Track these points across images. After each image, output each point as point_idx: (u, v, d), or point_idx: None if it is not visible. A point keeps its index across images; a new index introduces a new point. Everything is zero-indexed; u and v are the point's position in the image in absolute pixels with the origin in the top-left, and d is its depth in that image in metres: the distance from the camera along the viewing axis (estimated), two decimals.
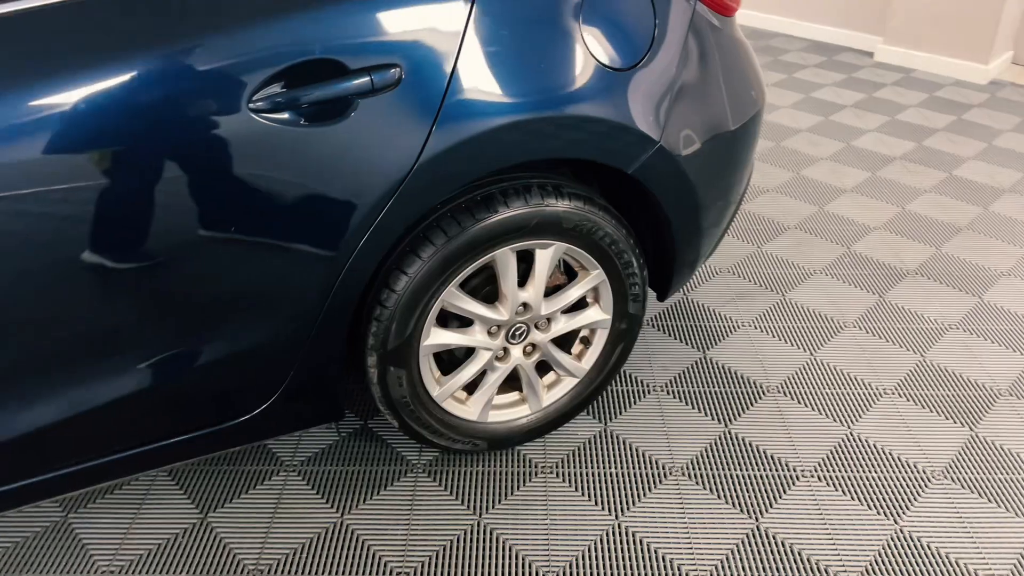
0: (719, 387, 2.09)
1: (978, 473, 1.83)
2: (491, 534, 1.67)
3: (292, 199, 1.29)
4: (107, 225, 1.18)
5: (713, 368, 2.16)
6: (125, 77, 1.12)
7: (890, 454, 1.88)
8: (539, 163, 1.66)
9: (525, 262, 1.64)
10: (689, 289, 2.50)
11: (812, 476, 1.82)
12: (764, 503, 1.75)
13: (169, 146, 1.17)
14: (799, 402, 2.04)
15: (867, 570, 1.60)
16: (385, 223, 1.37)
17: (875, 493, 1.78)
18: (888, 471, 1.84)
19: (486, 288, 1.64)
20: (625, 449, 1.89)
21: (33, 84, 1.09)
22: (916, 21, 4.41)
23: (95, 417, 1.36)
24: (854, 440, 1.92)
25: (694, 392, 2.07)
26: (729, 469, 1.84)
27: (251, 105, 1.20)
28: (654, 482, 1.80)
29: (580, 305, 1.78)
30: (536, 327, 1.71)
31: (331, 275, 1.39)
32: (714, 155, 1.71)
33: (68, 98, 1.10)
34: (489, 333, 1.65)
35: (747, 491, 1.78)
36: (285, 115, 1.23)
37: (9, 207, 1.11)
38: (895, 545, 1.66)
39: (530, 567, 1.60)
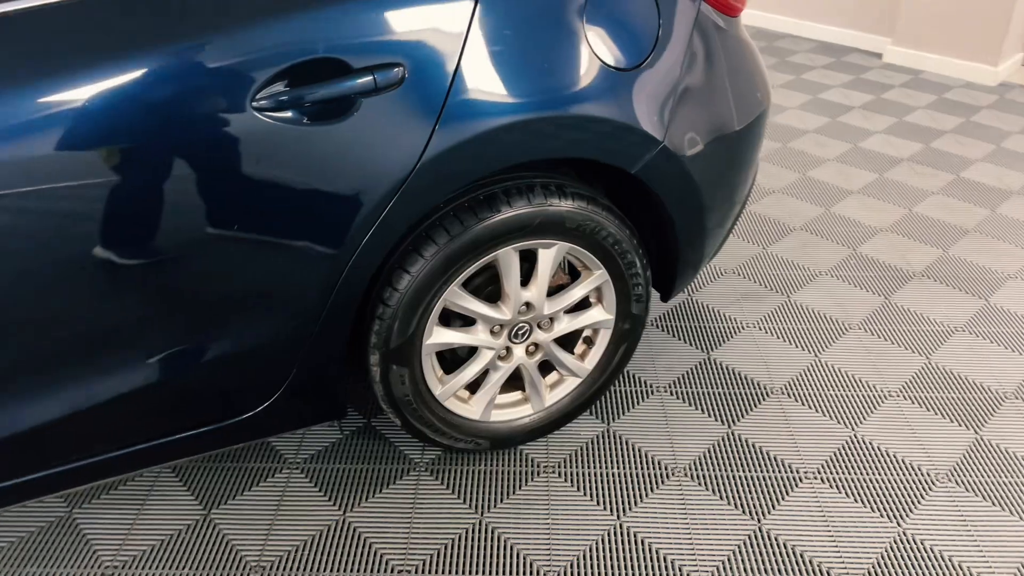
0: (723, 388, 2.08)
1: (983, 476, 1.82)
2: (493, 533, 1.67)
3: (295, 197, 1.29)
4: (110, 223, 1.19)
5: (717, 369, 2.15)
6: (128, 76, 1.13)
7: (894, 457, 1.88)
8: (543, 163, 1.66)
9: (528, 262, 1.64)
10: (694, 290, 2.50)
11: (815, 478, 1.82)
12: (767, 504, 1.75)
13: (172, 144, 1.18)
14: (803, 404, 2.04)
15: (869, 573, 1.60)
16: (388, 221, 1.38)
17: (878, 496, 1.77)
18: (892, 474, 1.83)
19: (489, 287, 1.65)
20: (628, 449, 1.88)
21: (35, 83, 1.09)
22: (925, 22, 4.39)
23: (100, 413, 1.37)
24: (858, 442, 1.92)
25: (697, 393, 2.07)
26: (732, 470, 1.83)
27: (254, 104, 1.20)
28: (656, 482, 1.80)
29: (583, 305, 1.78)
30: (539, 327, 1.71)
31: (334, 273, 1.40)
32: (718, 155, 1.71)
33: (71, 97, 1.11)
34: (492, 332, 1.65)
35: (750, 492, 1.78)
36: (288, 114, 1.23)
37: (12, 204, 1.12)
38: (898, 548, 1.65)
39: (531, 566, 1.60)
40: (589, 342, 1.84)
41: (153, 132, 1.16)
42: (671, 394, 2.06)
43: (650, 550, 1.64)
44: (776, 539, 1.67)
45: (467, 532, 1.67)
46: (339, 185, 1.31)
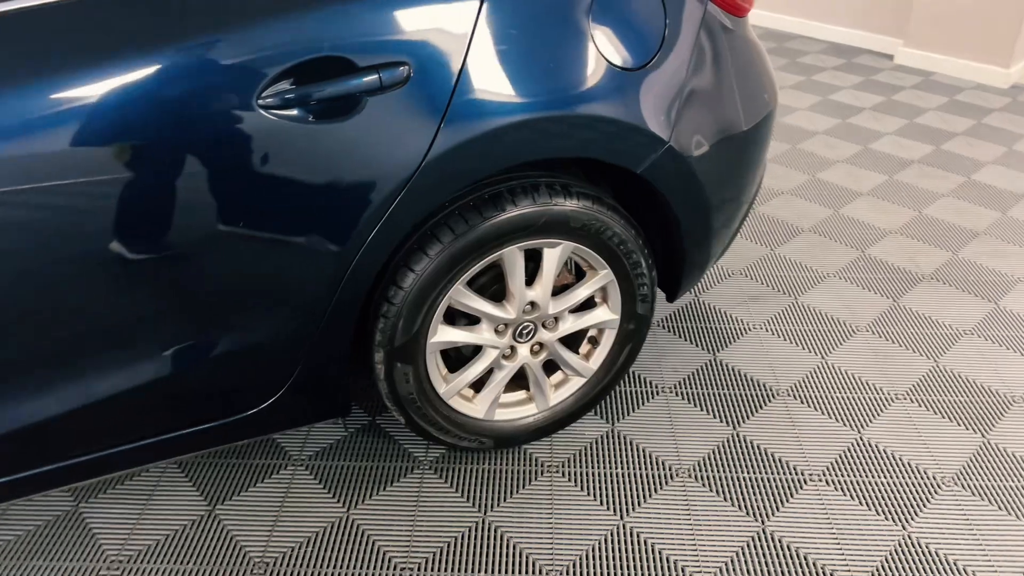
0: (728, 389, 2.08)
1: (989, 480, 1.81)
2: (495, 532, 1.68)
3: (300, 195, 1.30)
4: (115, 221, 1.20)
5: (723, 370, 2.15)
6: (134, 74, 1.14)
7: (900, 459, 1.87)
8: (549, 162, 1.66)
9: (533, 261, 1.64)
10: (701, 291, 2.49)
11: (820, 480, 1.81)
12: (771, 506, 1.74)
13: (178, 142, 1.18)
14: (809, 406, 2.03)
15: (873, 575, 1.59)
16: (393, 219, 1.38)
17: (884, 498, 1.76)
18: (897, 476, 1.82)
19: (494, 286, 1.65)
20: (632, 450, 1.88)
21: (41, 81, 1.10)
22: (937, 24, 4.37)
23: (107, 408, 1.38)
24: (864, 445, 1.91)
25: (703, 394, 2.06)
26: (736, 472, 1.83)
27: (260, 101, 1.21)
28: (660, 483, 1.80)
29: (588, 305, 1.78)
30: (543, 326, 1.71)
31: (339, 270, 1.40)
32: (725, 156, 1.70)
33: (76, 95, 1.12)
34: (496, 331, 1.66)
35: (754, 494, 1.77)
36: (294, 112, 1.24)
37: (20, 200, 1.13)
38: (902, 551, 1.64)
39: (534, 565, 1.60)
40: (594, 342, 1.84)
41: (158, 130, 1.17)
42: (676, 395, 2.06)
43: (653, 550, 1.64)
44: (780, 541, 1.66)
45: (470, 530, 1.68)
46: (344, 183, 1.31)
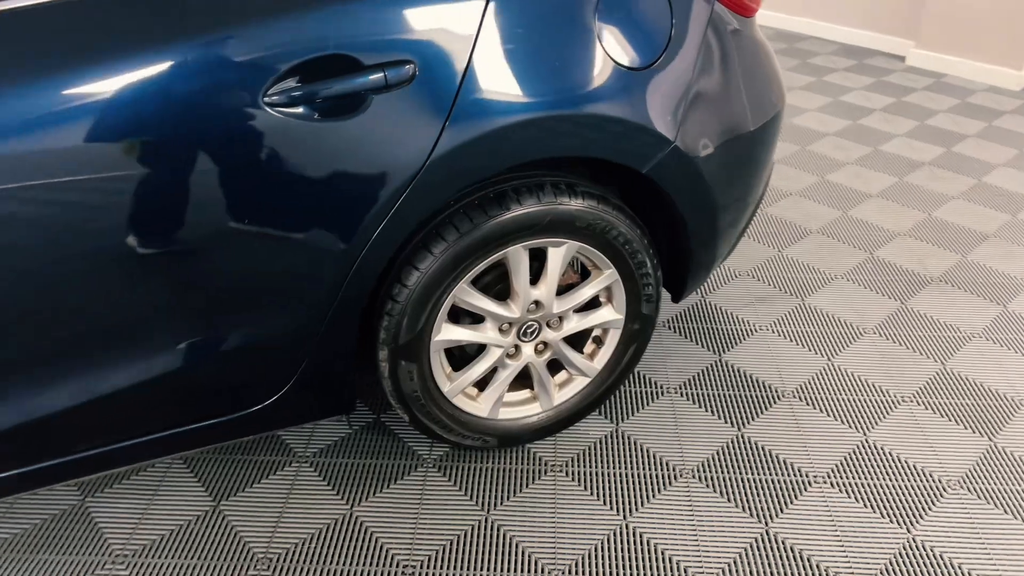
0: (733, 390, 2.07)
1: (996, 484, 1.80)
2: (498, 530, 1.68)
3: (306, 192, 1.30)
4: (123, 217, 1.21)
5: (728, 371, 2.14)
6: (140, 71, 1.15)
7: (906, 462, 1.86)
8: (554, 161, 1.66)
9: (538, 260, 1.64)
10: (707, 292, 2.49)
11: (825, 482, 1.80)
12: (775, 508, 1.74)
13: (185, 139, 1.19)
14: (815, 407, 2.02)
15: None
16: (398, 217, 1.39)
17: (888, 501, 1.76)
18: (903, 479, 1.81)
19: (499, 285, 1.65)
20: (636, 450, 1.88)
21: (53, 77, 1.11)
22: (949, 26, 4.34)
23: (114, 402, 1.39)
24: (869, 447, 1.90)
25: (708, 395, 2.06)
26: (740, 473, 1.82)
27: (266, 99, 1.22)
28: (664, 484, 1.79)
29: (593, 304, 1.78)
30: (548, 325, 1.71)
31: (345, 267, 1.41)
32: (732, 156, 1.70)
33: (83, 92, 1.12)
34: (500, 330, 1.66)
35: (758, 495, 1.77)
36: (300, 109, 1.24)
37: (31, 196, 1.14)
38: (907, 554, 1.64)
39: (536, 564, 1.61)
40: (599, 342, 1.84)
41: (164, 127, 1.17)
42: (681, 395, 2.06)
43: (655, 551, 1.64)
44: (783, 543, 1.66)
45: (473, 529, 1.68)
46: (349, 181, 1.32)
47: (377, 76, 1.27)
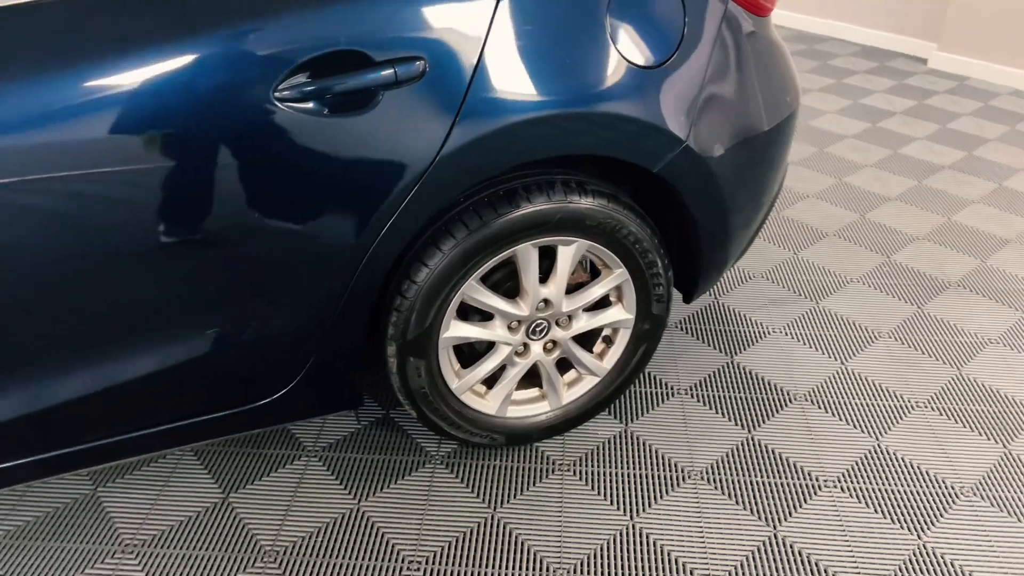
0: (744, 393, 2.06)
1: (1009, 492, 1.77)
2: (504, 528, 1.68)
3: (316, 187, 1.31)
4: (136, 211, 1.22)
5: (740, 373, 2.13)
6: (152, 66, 1.16)
7: (918, 468, 1.84)
8: (565, 159, 1.66)
9: (548, 258, 1.64)
10: (720, 293, 2.47)
11: (835, 487, 1.79)
12: (783, 511, 1.72)
13: (196, 133, 1.20)
14: (826, 411, 2.00)
15: None
16: (407, 213, 1.39)
17: (899, 507, 1.74)
18: (915, 485, 1.79)
19: (508, 283, 1.65)
20: (644, 450, 1.87)
21: (68, 72, 1.12)
22: (972, 28, 4.29)
23: (127, 393, 1.41)
24: (881, 452, 1.88)
25: (718, 396, 2.05)
26: (749, 475, 1.81)
27: (276, 94, 1.22)
28: (672, 485, 1.79)
29: (603, 304, 1.77)
30: (557, 324, 1.71)
31: (354, 262, 1.41)
32: (744, 156, 1.69)
33: (95, 87, 1.14)
34: (509, 328, 1.66)
35: (767, 498, 1.75)
36: (310, 105, 1.25)
37: (38, 189, 1.15)
38: (917, 561, 1.62)
39: (542, 563, 1.60)
40: (608, 341, 1.83)
41: (175, 121, 1.18)
42: (692, 397, 2.04)
43: (662, 552, 1.63)
44: (791, 547, 1.65)
45: (479, 526, 1.68)
46: (359, 176, 1.32)
47: (387, 72, 1.27)
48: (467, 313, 1.67)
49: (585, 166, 1.73)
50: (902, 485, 1.79)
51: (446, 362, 1.64)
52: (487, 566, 1.60)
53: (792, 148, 3.47)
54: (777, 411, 2.00)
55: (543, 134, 1.41)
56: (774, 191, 1.90)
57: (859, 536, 1.67)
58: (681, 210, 1.70)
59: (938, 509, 1.73)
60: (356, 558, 1.61)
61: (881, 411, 2.01)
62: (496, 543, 1.65)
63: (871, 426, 1.96)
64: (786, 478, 1.81)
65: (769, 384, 2.09)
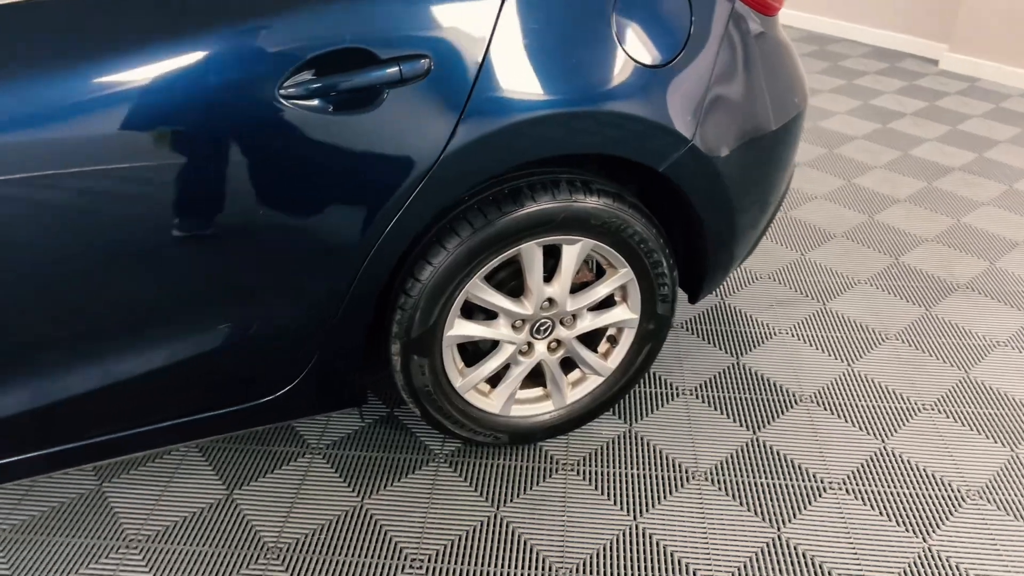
0: (750, 394, 2.05)
1: (1016, 495, 1.76)
2: (507, 527, 1.68)
3: (320, 184, 1.31)
4: (142, 207, 1.22)
5: (745, 374, 2.12)
6: (157, 63, 1.16)
7: (924, 471, 1.83)
8: (570, 158, 1.65)
9: (553, 257, 1.64)
10: (727, 294, 2.47)
11: (840, 488, 1.78)
12: (788, 513, 1.72)
13: (201, 130, 1.20)
14: (832, 413, 1.99)
15: None
16: (412, 211, 1.39)
17: (905, 509, 1.73)
18: (921, 488, 1.78)
19: (512, 282, 1.65)
20: (649, 451, 1.87)
21: (66, 68, 1.13)
22: (984, 29, 4.26)
23: (132, 388, 1.41)
24: (887, 455, 1.87)
25: (724, 397, 2.04)
26: (754, 477, 1.80)
27: (282, 92, 1.23)
28: (676, 485, 1.78)
29: (608, 303, 1.77)
30: (561, 323, 1.70)
31: (358, 259, 1.41)
32: (751, 156, 1.68)
33: (101, 83, 1.14)
34: (513, 327, 1.66)
35: (771, 500, 1.75)
36: (315, 102, 1.25)
37: (45, 184, 1.16)
38: (922, 564, 1.61)
39: (544, 562, 1.60)
40: (613, 341, 1.83)
41: (180, 118, 1.19)
42: (697, 397, 2.04)
43: (665, 552, 1.62)
44: (795, 548, 1.64)
45: (482, 525, 1.68)
46: (363, 174, 1.32)
47: (392, 70, 1.27)
48: (471, 312, 1.67)
49: (590, 165, 1.72)
50: (908, 488, 1.78)
51: (450, 360, 1.64)
52: (490, 565, 1.59)
53: (801, 149, 3.45)
54: (782, 412, 1.99)
55: (548, 133, 1.40)
56: (781, 191, 1.89)
57: (864, 539, 1.66)
58: (687, 210, 1.70)
59: (944, 512, 1.72)
60: (359, 555, 1.61)
61: (887, 413, 2.00)
62: (499, 542, 1.64)
63: (877, 428, 1.95)
64: (791, 480, 1.80)
65: (774, 385, 2.08)
